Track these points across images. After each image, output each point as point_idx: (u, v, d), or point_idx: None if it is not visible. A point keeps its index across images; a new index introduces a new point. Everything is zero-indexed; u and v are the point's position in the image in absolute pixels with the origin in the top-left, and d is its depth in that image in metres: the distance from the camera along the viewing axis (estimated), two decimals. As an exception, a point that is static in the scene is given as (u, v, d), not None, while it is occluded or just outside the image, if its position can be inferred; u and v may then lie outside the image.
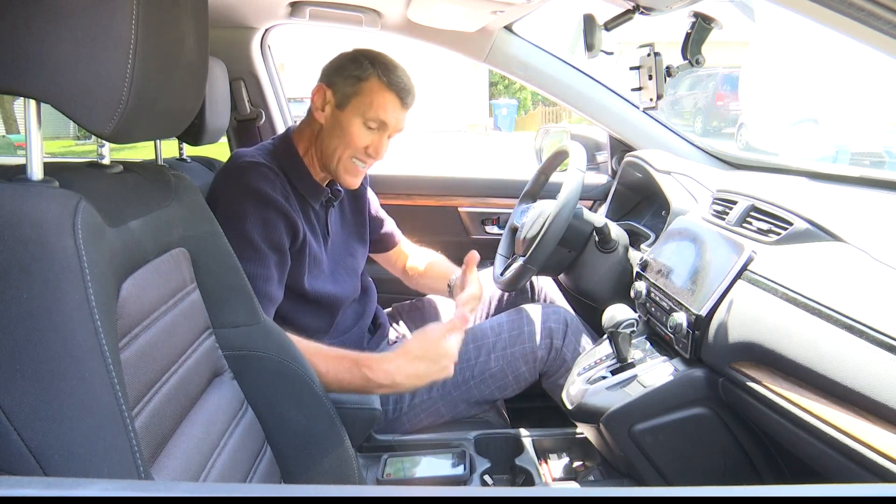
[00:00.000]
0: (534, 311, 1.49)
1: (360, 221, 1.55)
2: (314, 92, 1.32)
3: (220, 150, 1.45)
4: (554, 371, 1.44)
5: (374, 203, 1.61)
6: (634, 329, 1.18)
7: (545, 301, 1.69)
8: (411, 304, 1.77)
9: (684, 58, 1.29)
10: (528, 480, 1.27)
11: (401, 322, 1.74)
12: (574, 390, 1.24)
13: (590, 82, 1.86)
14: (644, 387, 1.13)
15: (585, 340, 1.47)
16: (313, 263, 1.34)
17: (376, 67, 1.28)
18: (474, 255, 1.46)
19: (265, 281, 1.20)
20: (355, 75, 1.28)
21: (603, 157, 2.06)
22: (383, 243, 1.67)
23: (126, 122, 0.63)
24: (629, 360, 1.20)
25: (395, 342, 1.59)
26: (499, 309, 1.69)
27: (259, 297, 1.17)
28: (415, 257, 1.73)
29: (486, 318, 1.69)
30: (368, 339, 1.54)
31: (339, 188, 1.43)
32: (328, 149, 1.31)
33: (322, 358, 1.12)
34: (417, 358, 1.13)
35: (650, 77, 1.39)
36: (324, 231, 1.40)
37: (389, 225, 1.67)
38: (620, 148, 1.96)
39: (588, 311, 1.55)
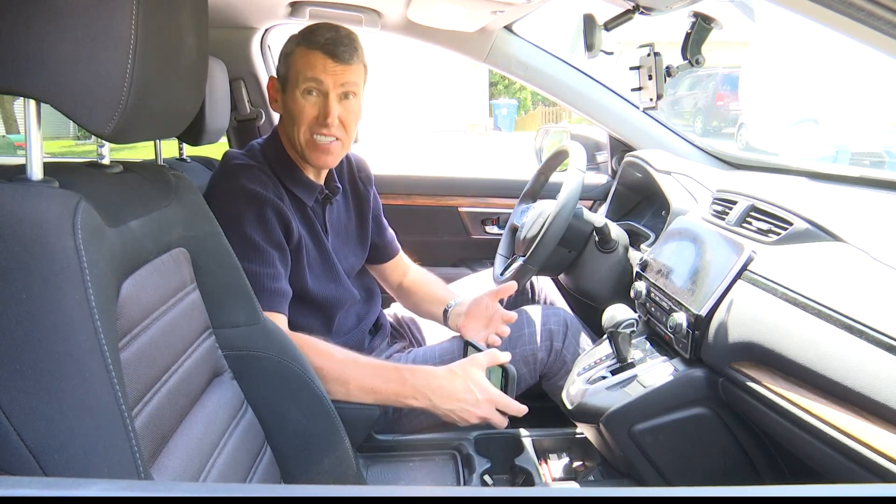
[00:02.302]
0: (534, 312, 1.48)
1: (362, 224, 1.52)
2: (268, 88, 1.35)
3: (220, 151, 1.44)
4: (554, 373, 1.44)
5: (378, 208, 1.58)
6: (634, 329, 1.18)
7: (545, 302, 1.69)
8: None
9: (684, 58, 1.29)
10: (528, 480, 1.27)
11: (402, 323, 1.73)
12: (574, 390, 1.24)
13: (590, 82, 1.86)
14: (644, 387, 1.13)
15: (585, 342, 1.47)
16: (314, 263, 1.34)
17: (299, 38, 1.27)
18: (512, 286, 1.45)
19: (273, 278, 1.20)
20: (285, 54, 1.29)
21: (603, 157, 2.06)
22: (380, 252, 1.60)
23: (126, 122, 0.63)
24: (629, 360, 1.20)
25: (396, 342, 1.59)
26: (498, 309, 1.68)
27: (270, 294, 1.18)
28: (412, 275, 1.67)
29: (486, 318, 1.68)
30: (369, 341, 1.54)
31: (338, 184, 1.42)
32: (290, 135, 1.29)
33: (357, 367, 1.18)
34: (458, 377, 1.18)
35: (650, 77, 1.39)
36: (322, 228, 1.39)
37: (390, 235, 1.62)
38: (620, 148, 1.96)
39: (588, 311, 1.55)
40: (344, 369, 1.18)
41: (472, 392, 1.17)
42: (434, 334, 1.69)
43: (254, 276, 1.16)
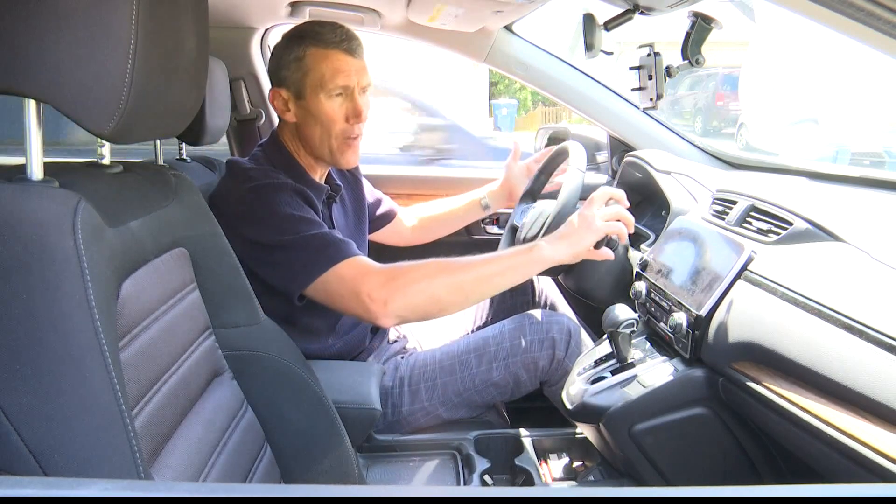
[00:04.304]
0: (536, 319, 1.47)
1: (360, 213, 1.54)
2: (271, 100, 1.30)
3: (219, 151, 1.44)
4: (556, 381, 1.43)
5: (369, 186, 1.63)
6: (634, 329, 1.18)
7: (545, 303, 1.69)
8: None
9: (684, 58, 1.29)
10: (528, 480, 1.27)
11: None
12: (574, 390, 1.24)
13: (590, 82, 1.86)
14: (644, 387, 1.13)
15: (587, 348, 1.46)
16: None
17: (306, 39, 1.23)
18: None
19: (331, 234, 1.18)
20: (294, 58, 1.24)
21: (603, 157, 2.06)
22: (386, 217, 1.67)
23: (126, 122, 0.63)
24: (629, 360, 1.20)
25: (396, 341, 1.59)
26: (496, 309, 1.68)
27: (338, 244, 1.16)
28: (416, 211, 1.76)
29: (484, 319, 1.69)
30: (370, 339, 1.54)
31: (338, 182, 1.43)
32: (314, 141, 1.29)
33: (473, 263, 1.19)
34: (570, 219, 1.23)
35: (650, 77, 1.39)
36: (330, 228, 1.39)
37: (386, 200, 1.69)
38: (620, 148, 1.96)
39: (588, 311, 1.55)
40: (459, 270, 1.17)
41: (587, 213, 1.21)
42: (435, 335, 1.69)
43: (311, 239, 1.14)
